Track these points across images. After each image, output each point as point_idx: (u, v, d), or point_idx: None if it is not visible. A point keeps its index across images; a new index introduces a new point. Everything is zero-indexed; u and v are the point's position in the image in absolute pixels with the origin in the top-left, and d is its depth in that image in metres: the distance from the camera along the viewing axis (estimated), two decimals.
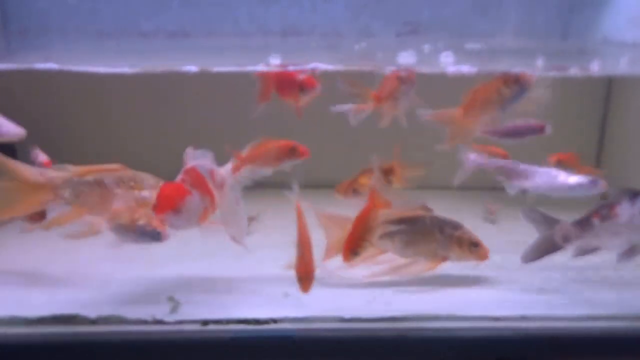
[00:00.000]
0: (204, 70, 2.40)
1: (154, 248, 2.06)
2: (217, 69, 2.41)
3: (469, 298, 1.99)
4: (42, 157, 2.39)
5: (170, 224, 1.77)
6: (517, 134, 2.29)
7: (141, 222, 1.75)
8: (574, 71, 2.45)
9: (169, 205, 1.73)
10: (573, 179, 2.14)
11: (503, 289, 2.07)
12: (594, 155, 3.46)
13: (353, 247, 1.83)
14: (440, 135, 2.19)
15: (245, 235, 2.17)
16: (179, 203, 1.74)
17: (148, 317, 1.79)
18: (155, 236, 1.75)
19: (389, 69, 2.17)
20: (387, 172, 2.47)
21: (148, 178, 2.10)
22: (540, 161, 2.29)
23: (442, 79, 2.13)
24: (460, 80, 2.20)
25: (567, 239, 2.01)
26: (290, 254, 1.81)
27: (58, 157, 3.07)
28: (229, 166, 2.12)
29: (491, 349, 1.79)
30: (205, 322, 1.78)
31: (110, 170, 2.02)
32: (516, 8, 2.86)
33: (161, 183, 2.11)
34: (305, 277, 1.76)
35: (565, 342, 1.81)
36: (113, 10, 2.87)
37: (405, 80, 2.11)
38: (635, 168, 3.08)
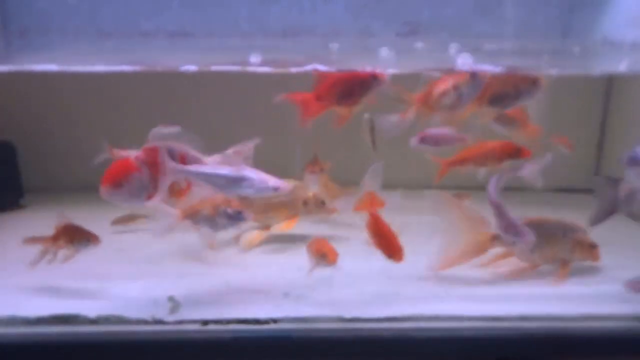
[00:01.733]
0: (204, 70, 2.40)
1: (154, 248, 2.06)
2: (215, 68, 2.41)
3: (468, 297, 1.98)
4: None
5: (111, 198, 1.79)
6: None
7: (222, 207, 1.78)
8: (574, 71, 2.46)
9: (111, 179, 1.78)
10: None
11: (502, 288, 2.07)
12: (594, 155, 3.46)
13: (398, 244, 1.87)
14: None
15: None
16: (121, 178, 1.77)
17: (148, 317, 1.79)
18: (239, 217, 1.79)
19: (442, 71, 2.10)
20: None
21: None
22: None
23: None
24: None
25: (629, 201, 1.99)
26: (289, 254, 1.80)
27: (58, 156, 3.08)
28: (217, 158, 2.09)
29: (491, 349, 1.79)
30: (205, 322, 1.78)
31: None
32: (516, 8, 2.87)
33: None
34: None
35: (565, 342, 1.81)
36: (113, 10, 2.87)
37: (472, 81, 2.02)
38: None
